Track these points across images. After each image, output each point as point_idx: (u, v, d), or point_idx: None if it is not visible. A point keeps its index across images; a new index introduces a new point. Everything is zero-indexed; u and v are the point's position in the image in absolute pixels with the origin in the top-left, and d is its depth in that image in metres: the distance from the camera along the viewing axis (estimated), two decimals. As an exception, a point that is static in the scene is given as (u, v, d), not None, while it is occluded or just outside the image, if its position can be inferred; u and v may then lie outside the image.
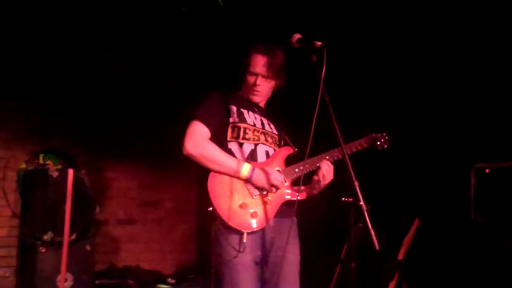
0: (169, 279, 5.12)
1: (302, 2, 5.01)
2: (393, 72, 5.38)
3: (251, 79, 3.08)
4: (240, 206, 2.81)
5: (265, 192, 2.88)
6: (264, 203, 2.87)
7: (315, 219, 5.23)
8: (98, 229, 5.09)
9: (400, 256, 4.53)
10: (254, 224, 2.81)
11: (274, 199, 2.89)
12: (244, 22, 5.21)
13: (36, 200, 4.42)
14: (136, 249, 5.64)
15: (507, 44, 4.69)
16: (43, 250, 4.26)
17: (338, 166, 2.85)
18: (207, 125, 2.93)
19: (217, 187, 2.82)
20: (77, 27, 5.22)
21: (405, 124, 5.20)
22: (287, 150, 3.07)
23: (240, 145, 2.98)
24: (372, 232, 2.24)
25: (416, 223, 4.62)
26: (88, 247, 4.51)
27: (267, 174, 2.86)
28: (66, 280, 4.28)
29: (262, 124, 3.11)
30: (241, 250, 2.76)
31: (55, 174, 4.38)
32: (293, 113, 3.31)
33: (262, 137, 3.05)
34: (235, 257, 2.77)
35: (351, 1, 5.00)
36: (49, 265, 4.25)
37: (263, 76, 3.06)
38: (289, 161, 3.05)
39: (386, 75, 5.42)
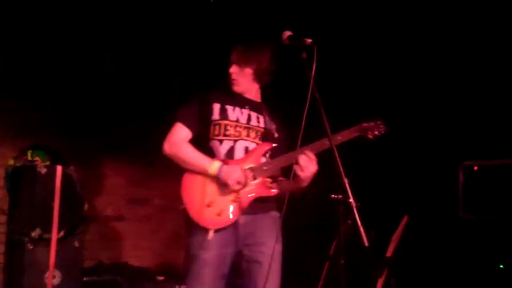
0: (158, 276, 5.11)
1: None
2: (383, 70, 5.40)
3: (228, 69, 3.15)
4: (208, 204, 2.91)
5: (232, 190, 2.91)
6: (232, 200, 2.91)
7: (305, 216, 5.24)
8: (86, 226, 5.07)
9: (389, 253, 4.55)
10: (220, 221, 2.90)
11: (243, 196, 2.92)
12: (244, 22, 5.22)
13: (24, 197, 4.39)
14: (125, 246, 5.62)
15: (493, 44, 4.73)
16: (31, 247, 4.23)
17: (328, 163, 2.85)
18: (188, 126, 3.05)
19: (190, 185, 2.96)
20: (66, 24, 5.18)
21: (394, 121, 5.22)
22: (266, 146, 3.07)
23: (220, 142, 3.03)
24: (361, 229, 2.25)
25: (404, 220, 4.65)
26: (76, 244, 4.48)
27: (232, 171, 2.90)
28: (54, 277, 4.26)
29: (249, 119, 3.11)
30: (206, 246, 2.88)
31: (44, 170, 4.35)
32: (284, 110, 3.29)
33: (244, 133, 3.07)
34: (199, 253, 2.89)
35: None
36: (37, 262, 4.22)
37: (235, 64, 3.12)
38: (274, 156, 3.06)
39: (376, 73, 5.44)
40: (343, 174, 2.37)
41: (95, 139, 5.39)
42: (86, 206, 4.69)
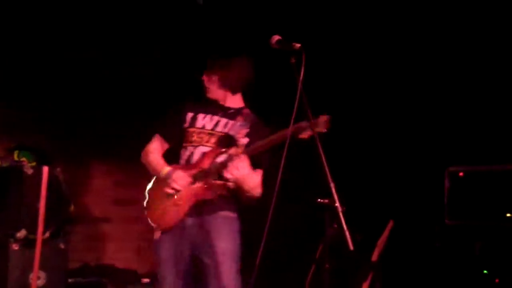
0: (143, 278, 5.09)
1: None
2: (371, 76, 5.43)
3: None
4: (158, 206, 3.16)
5: (175, 193, 3.08)
6: (175, 203, 3.09)
7: (291, 220, 5.25)
8: (72, 227, 5.03)
9: (374, 257, 4.57)
10: (163, 222, 3.14)
11: (184, 200, 3.07)
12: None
13: (9, 197, 4.36)
14: (111, 247, 5.59)
15: (479, 51, 4.77)
16: (16, 248, 4.21)
17: (315, 167, 2.85)
18: (163, 135, 3.28)
19: (151, 190, 3.25)
20: (55, 24, 5.16)
21: (380, 126, 5.25)
22: (214, 151, 3.13)
23: (185, 149, 3.20)
24: (347, 233, 2.27)
25: (390, 224, 4.67)
26: (62, 245, 4.46)
27: (172, 177, 3.07)
28: (39, 278, 4.24)
29: (216, 125, 3.19)
30: (158, 245, 3.18)
31: (30, 171, 4.33)
32: (271, 114, 3.30)
33: (205, 139, 3.17)
34: (155, 251, 3.23)
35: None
36: (22, 263, 4.20)
37: (205, 71, 3.26)
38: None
39: (363, 78, 5.46)
40: (330, 178, 2.38)
41: (82, 140, 5.37)
42: (72, 207, 4.67)
